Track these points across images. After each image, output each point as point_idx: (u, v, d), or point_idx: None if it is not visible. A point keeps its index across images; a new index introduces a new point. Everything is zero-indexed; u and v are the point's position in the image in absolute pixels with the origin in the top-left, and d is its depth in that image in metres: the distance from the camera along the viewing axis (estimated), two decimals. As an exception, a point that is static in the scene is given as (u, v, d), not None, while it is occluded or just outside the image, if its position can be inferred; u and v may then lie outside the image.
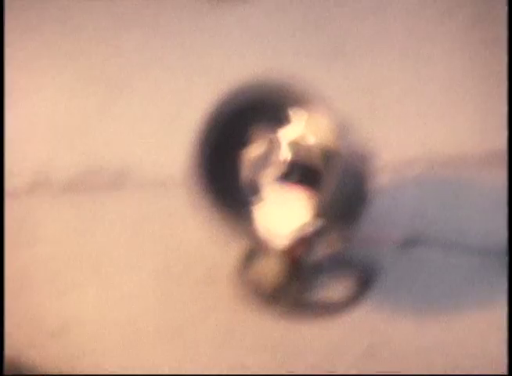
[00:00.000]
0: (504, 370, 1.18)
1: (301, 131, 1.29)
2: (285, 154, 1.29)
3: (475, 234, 1.39)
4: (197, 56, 1.89)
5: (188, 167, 1.27)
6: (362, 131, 1.32)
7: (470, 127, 1.60)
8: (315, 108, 1.27)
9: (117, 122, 1.77)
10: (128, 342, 1.33)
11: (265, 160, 1.28)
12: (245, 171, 1.30)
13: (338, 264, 1.38)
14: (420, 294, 1.33)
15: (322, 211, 1.25)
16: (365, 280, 1.36)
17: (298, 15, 1.92)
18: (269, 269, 1.39)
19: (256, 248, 1.39)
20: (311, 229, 1.26)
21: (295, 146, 1.29)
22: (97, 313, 1.40)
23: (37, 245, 1.54)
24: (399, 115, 1.65)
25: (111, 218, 1.58)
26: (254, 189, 1.30)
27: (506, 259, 1.32)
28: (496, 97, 1.61)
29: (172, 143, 1.68)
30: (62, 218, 1.60)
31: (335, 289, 1.36)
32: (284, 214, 1.29)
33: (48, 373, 1.28)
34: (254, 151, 1.29)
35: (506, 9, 1.72)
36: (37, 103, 1.84)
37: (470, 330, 1.27)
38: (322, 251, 1.31)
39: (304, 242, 1.29)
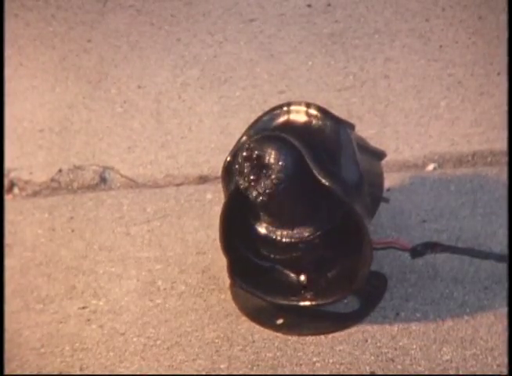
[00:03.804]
0: (504, 370, 1.15)
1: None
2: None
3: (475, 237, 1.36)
4: (188, 42, 1.86)
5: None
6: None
7: (469, 127, 1.59)
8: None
9: (99, 117, 1.72)
10: (117, 356, 1.25)
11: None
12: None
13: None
14: (432, 305, 1.27)
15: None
16: (374, 291, 1.29)
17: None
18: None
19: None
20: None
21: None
22: (81, 326, 1.31)
23: (14, 250, 1.46)
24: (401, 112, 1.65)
25: (92, 221, 1.52)
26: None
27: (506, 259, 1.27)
28: (496, 97, 1.63)
29: (156, 142, 1.66)
30: (38, 220, 1.53)
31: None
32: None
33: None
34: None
35: (506, 9, 1.78)
36: (12, 96, 1.77)
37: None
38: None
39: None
